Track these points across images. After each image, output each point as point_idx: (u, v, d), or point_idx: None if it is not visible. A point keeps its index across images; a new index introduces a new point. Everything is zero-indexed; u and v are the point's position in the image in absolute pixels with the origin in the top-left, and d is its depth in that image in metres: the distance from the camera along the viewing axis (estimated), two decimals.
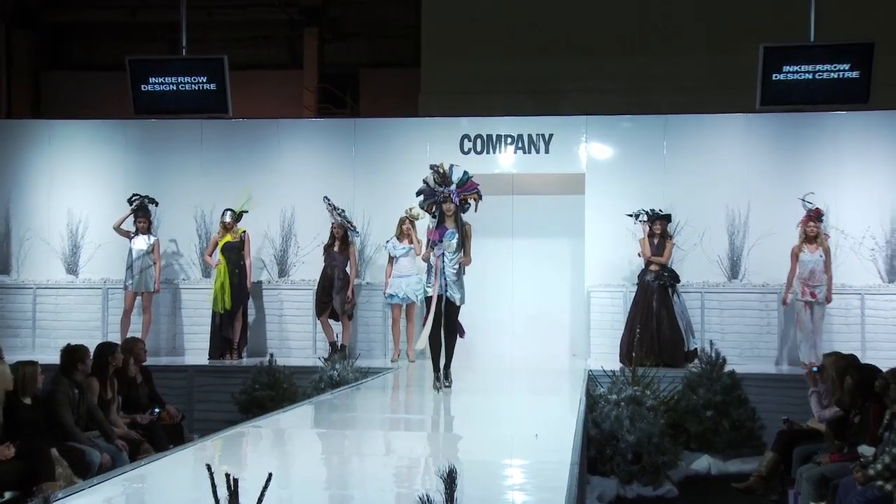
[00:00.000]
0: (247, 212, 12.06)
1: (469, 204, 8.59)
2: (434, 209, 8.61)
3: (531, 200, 12.89)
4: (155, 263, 11.97)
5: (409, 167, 11.81)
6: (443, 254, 8.38)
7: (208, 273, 12.45)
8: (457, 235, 8.43)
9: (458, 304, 8.52)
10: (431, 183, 8.56)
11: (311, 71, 20.43)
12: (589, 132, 12.39)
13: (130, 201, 12.09)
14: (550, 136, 12.39)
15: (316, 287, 11.90)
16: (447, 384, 8.57)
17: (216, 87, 12.90)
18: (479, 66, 16.18)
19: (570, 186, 12.46)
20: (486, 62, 16.11)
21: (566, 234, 12.60)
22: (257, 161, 12.74)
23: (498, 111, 13.73)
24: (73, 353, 7.76)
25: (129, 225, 12.05)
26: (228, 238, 11.86)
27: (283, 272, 12.58)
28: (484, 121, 12.61)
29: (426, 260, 8.59)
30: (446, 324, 8.51)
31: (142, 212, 12.02)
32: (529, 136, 12.42)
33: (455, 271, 8.45)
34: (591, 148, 12.37)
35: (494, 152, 12.47)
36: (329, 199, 11.86)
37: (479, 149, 12.45)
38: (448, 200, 8.45)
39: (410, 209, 11.22)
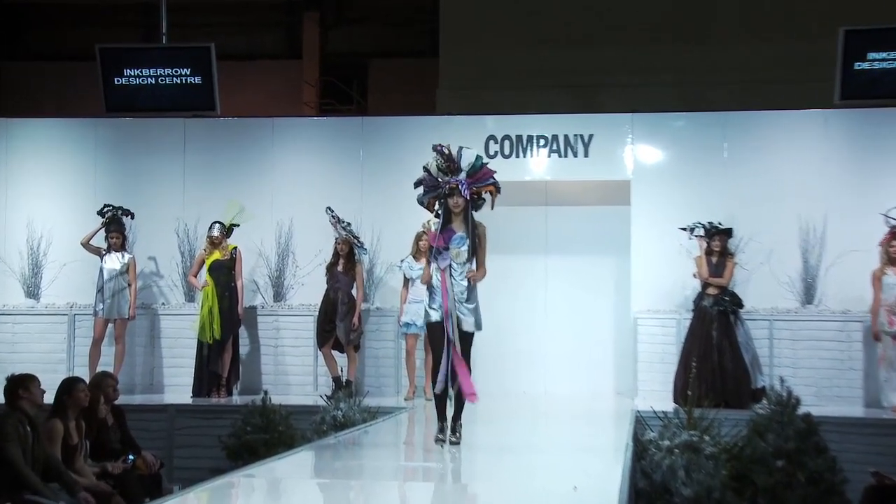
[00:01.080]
0: (238, 225, 12.07)
1: (483, 199, 7.75)
2: (437, 206, 7.79)
3: (568, 212, 12.87)
4: (130, 285, 11.96)
5: None
6: (449, 265, 7.60)
7: (192, 296, 12.46)
8: (467, 241, 7.59)
9: (471, 330, 7.65)
10: (433, 170, 7.71)
11: (311, 62, 20.53)
12: (635, 132, 12.35)
13: (101, 213, 12.10)
14: (590, 136, 12.39)
15: (317, 313, 11.88)
16: (454, 439, 7.75)
17: (201, 81, 12.95)
18: (506, 55, 16.18)
19: (614, 196, 12.42)
20: (516, 51, 16.10)
21: (609, 252, 12.57)
22: (249, 166, 12.76)
23: (529, 108, 13.69)
24: (13, 382, 7.70)
25: (99, 240, 12.04)
26: (217, 255, 11.86)
27: (279, 295, 12.57)
28: (513, 119, 12.60)
29: (426, 282, 7.72)
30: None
31: (115, 225, 12.02)
32: (566, 136, 12.41)
33: (465, 288, 7.61)
34: (638, 150, 12.34)
35: (525, 156, 12.48)
36: (332, 211, 11.85)
37: (507, 152, 12.47)
38: (455, 193, 7.58)
39: (429, 222, 11.11)
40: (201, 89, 12.94)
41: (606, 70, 15.79)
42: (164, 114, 13.01)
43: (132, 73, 13.01)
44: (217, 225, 11.91)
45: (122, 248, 12.03)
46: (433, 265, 7.68)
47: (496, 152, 12.37)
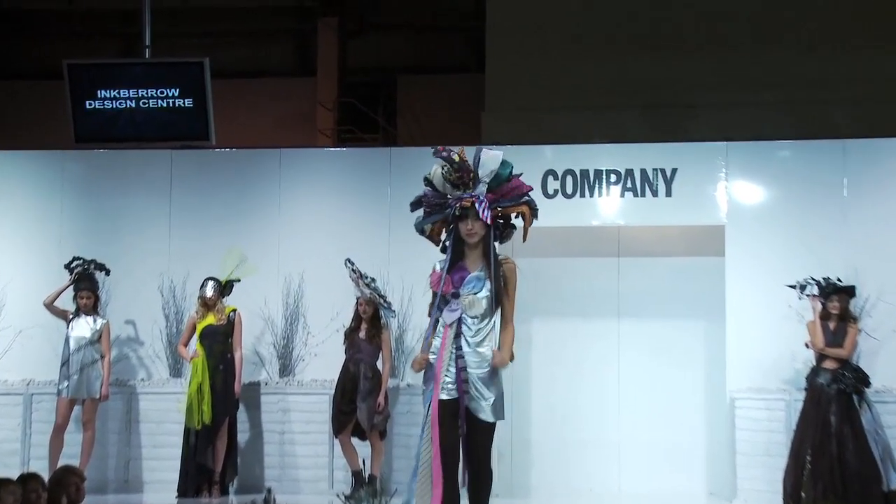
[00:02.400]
0: (237, 281, 12.05)
1: (512, 227, 7.00)
2: (443, 234, 7.07)
3: (646, 265, 12.81)
4: (103, 357, 11.93)
5: None
6: (460, 319, 6.84)
7: (179, 370, 12.42)
8: (487, 285, 6.81)
9: (489, 419, 6.82)
10: (438, 182, 6.95)
11: (327, 79, 20.58)
12: (731, 165, 12.25)
13: (69, 268, 12.10)
14: (674, 171, 12.32)
15: (334, 391, 11.79)
16: None
17: (193, 104, 12.97)
18: (569, 69, 16.21)
19: (704, 245, 12.40)
20: (580, 64, 16.13)
21: (698, 315, 12.52)
22: (251, 208, 12.77)
23: (597, 135, 13.67)
24: None
25: (66, 301, 12.03)
26: (210, 320, 11.85)
27: (286, 369, 12.52)
28: (576, 150, 12.58)
29: (422, 364, 6.88)
30: (472, 458, 6.81)
31: (85, 283, 12.00)
32: (643, 171, 12.36)
33: (483, 355, 6.80)
34: (733, 188, 12.25)
35: (592, 195, 12.41)
36: (353, 263, 11.78)
37: (569, 190, 12.42)
38: (470, 215, 6.78)
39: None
40: (192, 114, 12.98)
41: (694, 86, 15.78)
42: (147, 144, 13.04)
43: (108, 95, 13.04)
44: (211, 282, 11.88)
45: (93, 310, 12.01)
46: (439, 318, 6.93)
47: (556, 191, 12.35)
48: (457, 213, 6.83)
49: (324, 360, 12.29)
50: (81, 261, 12.12)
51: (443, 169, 6.88)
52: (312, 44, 21.00)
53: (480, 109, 16.60)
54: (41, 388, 12.43)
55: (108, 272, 12.23)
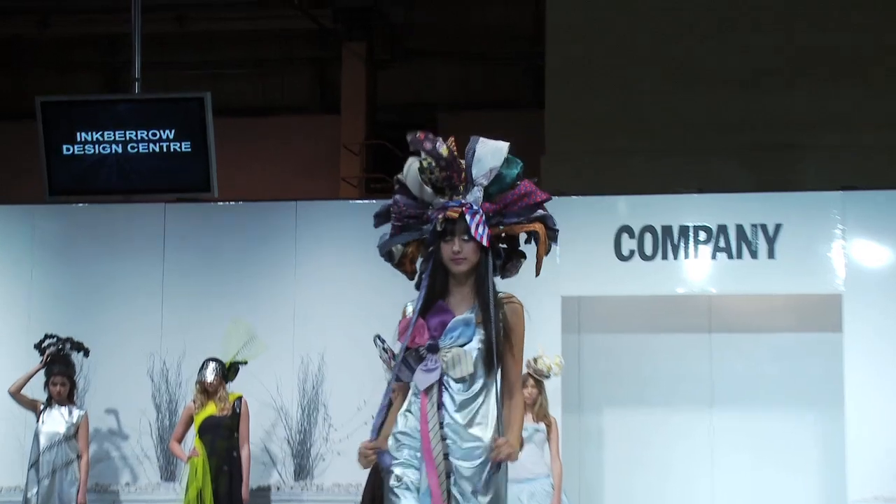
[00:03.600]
0: (244, 363, 12.03)
1: (520, 255, 5.89)
2: (416, 260, 5.97)
3: (744, 342, 12.76)
4: (80, 457, 11.88)
5: (527, 285, 11.57)
6: (439, 385, 5.70)
7: (173, 472, 12.44)
8: (480, 334, 5.71)
9: None
10: (414, 183, 5.84)
11: (353, 116, 20.65)
12: (848, 220, 12.15)
13: (40, 348, 12.09)
14: (777, 227, 12.24)
15: (361, 498, 11.64)
16: None
17: (191, 148, 12.94)
18: (646, 106, 16.25)
19: (816, 318, 12.36)
20: (660, 101, 16.20)
21: (810, 404, 12.42)
22: (261, 273, 12.81)
23: (682, 184, 13.60)
24: None
25: (36, 389, 12.00)
26: (211, 410, 11.79)
27: (304, 471, 12.53)
28: (657, 202, 12.57)
29: (369, 456, 5.71)
30: None
31: (60, 366, 11.96)
32: (739, 227, 12.29)
33: (476, 438, 5.65)
34: (852, 248, 12.14)
35: (676, 257, 12.36)
36: (384, 341, 11.66)
37: (648, 251, 12.37)
38: (457, 233, 5.68)
39: (536, 360, 10.94)
40: (191, 160, 12.94)
41: (802, 125, 15.82)
42: (136, 198, 13.10)
43: (89, 139, 13.01)
44: (212, 364, 11.80)
45: (69, 399, 11.95)
46: (409, 380, 5.83)
47: (632, 252, 12.31)
48: (438, 229, 5.70)
49: (348, 460, 12.04)
50: (55, 339, 12.10)
51: (422, 164, 5.72)
52: (335, 74, 21.08)
53: (539, 153, 16.56)
54: (5, 496, 12.44)
55: (86, 353, 12.22)
